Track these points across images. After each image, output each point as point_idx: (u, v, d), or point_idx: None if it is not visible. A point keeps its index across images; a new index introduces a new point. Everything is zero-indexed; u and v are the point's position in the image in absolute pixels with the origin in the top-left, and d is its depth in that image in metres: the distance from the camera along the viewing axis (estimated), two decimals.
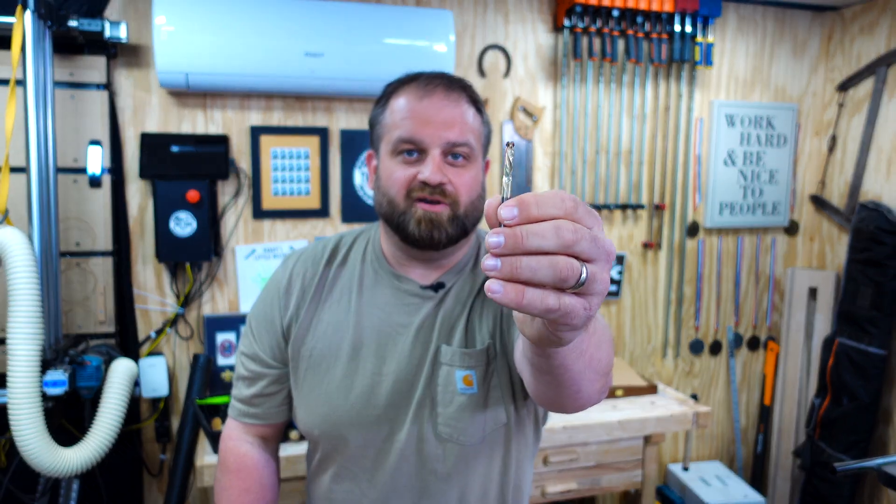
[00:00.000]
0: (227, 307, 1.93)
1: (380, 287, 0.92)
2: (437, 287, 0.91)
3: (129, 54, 1.78)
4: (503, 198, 0.36)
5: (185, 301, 1.88)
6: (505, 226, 0.33)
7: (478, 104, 0.89)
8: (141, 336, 1.87)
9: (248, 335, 0.98)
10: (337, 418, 0.90)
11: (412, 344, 0.89)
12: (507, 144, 0.39)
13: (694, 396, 2.46)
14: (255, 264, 1.92)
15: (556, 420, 1.74)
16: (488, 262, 0.33)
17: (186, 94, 1.82)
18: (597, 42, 2.12)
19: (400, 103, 0.86)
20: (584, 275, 0.33)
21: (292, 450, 1.57)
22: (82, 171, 1.75)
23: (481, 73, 2.08)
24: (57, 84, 1.69)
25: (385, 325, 0.90)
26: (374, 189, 0.92)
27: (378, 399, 0.88)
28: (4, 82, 1.65)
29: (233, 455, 0.98)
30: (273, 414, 0.98)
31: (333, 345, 0.91)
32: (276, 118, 1.91)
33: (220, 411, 1.61)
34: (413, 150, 0.84)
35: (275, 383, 0.97)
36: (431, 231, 0.84)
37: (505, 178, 0.38)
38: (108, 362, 1.64)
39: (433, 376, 0.88)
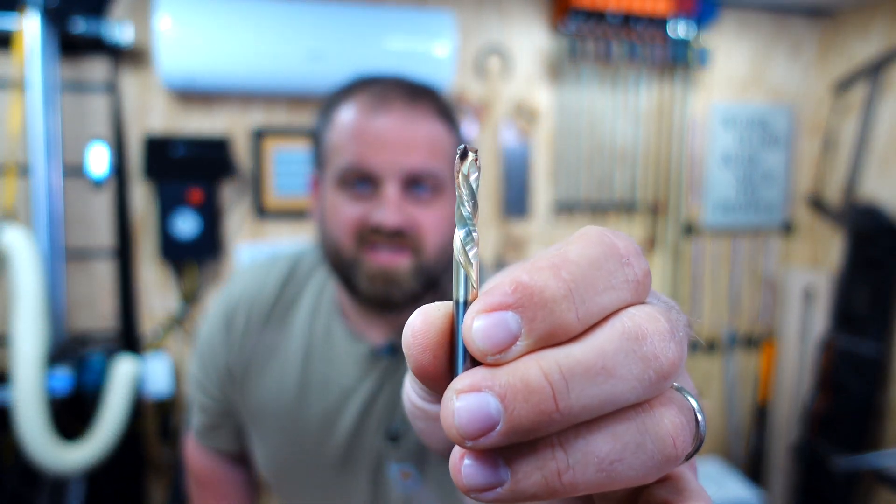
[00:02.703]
0: None
1: (330, 347, 0.76)
2: (392, 349, 0.73)
3: (133, 56, 1.79)
4: (460, 300, 0.18)
5: (189, 300, 1.89)
6: (489, 364, 0.17)
7: (449, 116, 0.71)
8: (145, 335, 1.88)
9: (196, 356, 0.84)
10: (285, 483, 0.79)
11: (360, 416, 0.73)
12: (462, 154, 0.19)
13: None
14: None
15: None
16: (471, 472, 0.17)
17: (190, 95, 1.84)
18: (595, 44, 2.14)
19: (346, 119, 0.67)
20: (701, 421, 0.19)
21: None
22: (87, 171, 1.77)
23: (481, 74, 2.10)
24: (62, 85, 1.71)
25: (334, 389, 0.74)
26: (318, 225, 0.72)
27: (325, 473, 0.75)
28: (11, 84, 1.66)
29: (199, 466, 0.90)
30: (227, 443, 0.86)
31: (277, 404, 0.77)
32: (279, 119, 1.93)
33: None
34: (364, 181, 0.66)
35: (222, 415, 0.83)
36: (387, 289, 0.66)
37: (461, 242, 0.19)
38: (111, 361, 1.65)
39: (380, 466, 0.73)
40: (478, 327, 0.17)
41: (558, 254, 0.18)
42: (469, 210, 0.19)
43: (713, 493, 2.14)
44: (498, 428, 0.16)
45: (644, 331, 0.17)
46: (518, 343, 0.17)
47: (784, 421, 2.48)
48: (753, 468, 2.57)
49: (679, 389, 0.19)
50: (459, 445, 0.17)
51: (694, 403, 0.19)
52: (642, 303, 0.19)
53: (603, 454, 0.16)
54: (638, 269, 0.18)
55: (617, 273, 0.18)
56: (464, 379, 0.17)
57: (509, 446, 0.17)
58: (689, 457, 0.19)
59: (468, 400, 0.16)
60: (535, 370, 0.16)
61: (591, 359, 0.16)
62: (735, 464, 2.55)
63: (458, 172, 0.19)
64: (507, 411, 0.16)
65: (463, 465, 0.17)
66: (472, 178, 0.19)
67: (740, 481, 2.24)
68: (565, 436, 0.17)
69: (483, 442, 0.16)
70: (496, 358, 0.17)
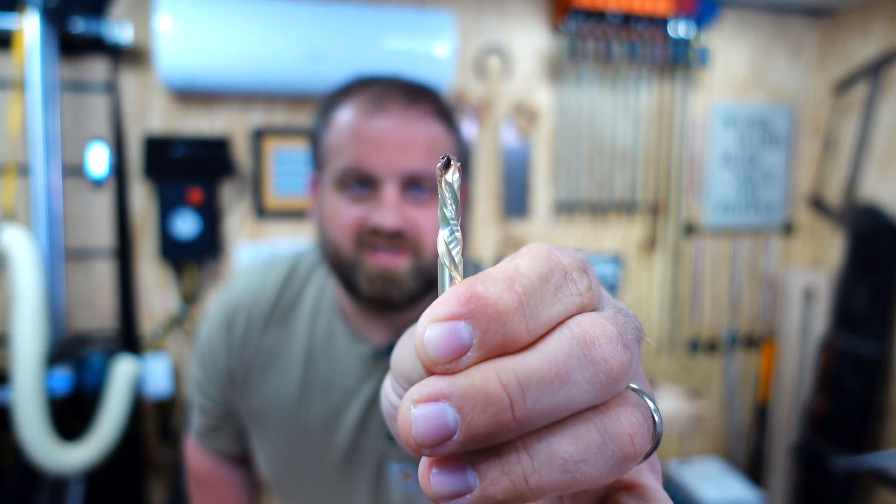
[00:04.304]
0: None
1: (332, 348, 0.76)
2: (393, 350, 0.72)
3: (133, 55, 1.79)
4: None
5: (189, 300, 1.89)
6: (441, 373, 0.17)
7: (448, 117, 0.70)
8: (145, 335, 1.88)
9: (196, 358, 0.83)
10: (286, 484, 0.79)
11: (361, 417, 0.73)
12: (443, 167, 0.19)
13: (691, 394, 2.48)
14: None
15: None
16: (440, 480, 0.17)
17: (190, 94, 1.84)
18: (595, 44, 2.14)
19: (344, 120, 0.67)
20: (658, 420, 0.19)
21: None
22: (87, 171, 1.77)
23: (481, 74, 2.10)
24: (62, 85, 1.71)
25: (336, 390, 0.74)
26: (318, 226, 0.72)
27: (327, 474, 0.75)
28: (10, 84, 1.66)
29: (199, 467, 0.90)
30: (227, 444, 0.86)
31: (279, 405, 0.77)
32: (279, 119, 1.93)
33: None
34: (362, 182, 0.66)
35: (223, 417, 0.83)
36: (385, 290, 0.66)
37: (445, 243, 0.19)
38: (111, 361, 1.65)
39: (381, 467, 0.73)
40: (429, 336, 0.17)
41: (511, 266, 0.18)
42: (452, 210, 0.19)
43: (713, 493, 2.14)
44: (455, 437, 0.16)
45: (592, 336, 0.17)
46: (469, 354, 0.17)
47: (784, 421, 2.48)
48: (753, 468, 2.57)
49: (637, 391, 0.20)
50: (416, 452, 0.17)
51: (650, 403, 0.19)
52: (589, 310, 0.19)
53: (567, 456, 0.17)
54: (581, 283, 0.19)
55: (563, 287, 0.18)
56: (421, 388, 0.17)
57: (476, 452, 0.17)
58: (647, 454, 0.19)
59: (426, 409, 0.16)
60: (493, 381, 0.16)
61: (545, 366, 0.17)
62: (735, 464, 2.55)
63: (441, 177, 0.19)
64: (464, 421, 0.16)
65: (431, 475, 0.17)
66: (454, 180, 0.19)
67: (740, 481, 2.24)
68: (529, 440, 0.17)
69: (440, 450, 0.17)
70: (446, 367, 0.17)
